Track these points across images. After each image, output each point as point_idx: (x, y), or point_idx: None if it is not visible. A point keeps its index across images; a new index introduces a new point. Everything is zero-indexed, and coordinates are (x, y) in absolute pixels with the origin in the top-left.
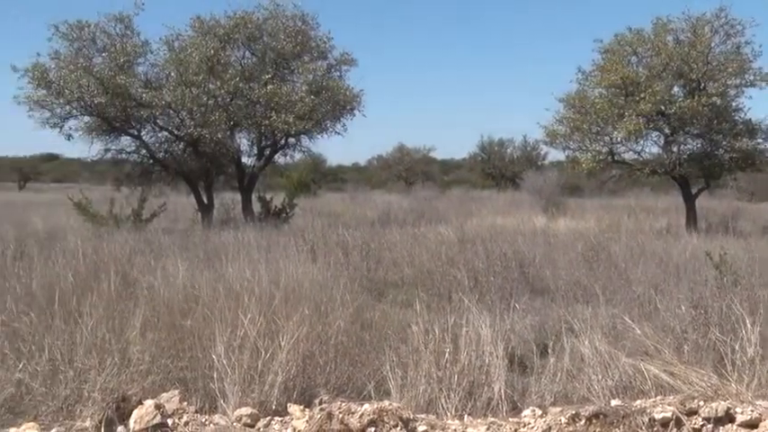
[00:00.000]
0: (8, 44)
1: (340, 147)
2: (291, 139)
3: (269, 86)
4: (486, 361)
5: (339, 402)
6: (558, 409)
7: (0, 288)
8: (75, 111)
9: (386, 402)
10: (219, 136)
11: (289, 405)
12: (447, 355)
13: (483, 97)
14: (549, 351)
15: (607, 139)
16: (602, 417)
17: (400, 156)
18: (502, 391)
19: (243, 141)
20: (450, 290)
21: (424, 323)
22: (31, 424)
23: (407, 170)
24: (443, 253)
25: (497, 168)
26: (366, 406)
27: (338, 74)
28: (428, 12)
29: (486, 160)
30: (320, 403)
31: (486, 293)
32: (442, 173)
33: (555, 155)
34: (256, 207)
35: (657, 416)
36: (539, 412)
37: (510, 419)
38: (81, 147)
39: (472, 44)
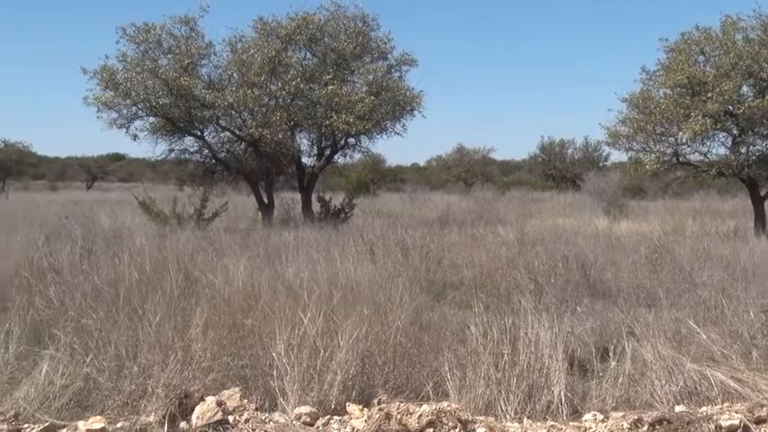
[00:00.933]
0: (78, 47)
1: (399, 147)
2: (351, 140)
3: (329, 87)
4: (546, 363)
5: (397, 402)
6: (620, 413)
7: (69, 285)
8: (140, 112)
9: (444, 403)
10: (280, 136)
11: (347, 404)
12: (506, 356)
13: (544, 97)
14: (610, 355)
15: (672, 139)
16: (665, 423)
17: (459, 156)
18: (562, 394)
19: (303, 141)
20: (510, 291)
21: (482, 325)
22: (99, 418)
23: (467, 171)
24: (503, 254)
25: (558, 170)
26: (424, 407)
27: (398, 74)
28: (489, 11)
29: (546, 161)
30: (379, 403)
31: (546, 295)
32: (502, 174)
33: (617, 156)
34: (316, 207)
35: (724, 423)
36: (600, 417)
37: (570, 423)
38: (146, 147)
39: (534, 43)
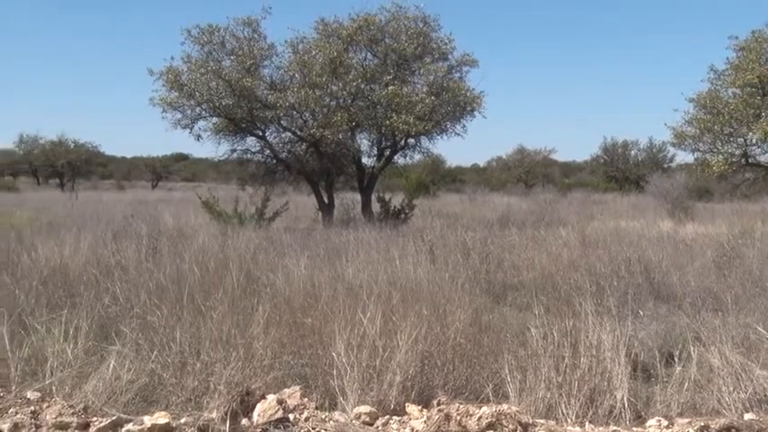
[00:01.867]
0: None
1: (459, 148)
2: (411, 140)
3: (390, 88)
4: (608, 367)
5: (457, 404)
6: (686, 420)
7: (135, 282)
8: (204, 112)
9: (504, 406)
10: (341, 136)
11: (407, 405)
12: (566, 359)
13: (607, 97)
14: (675, 360)
15: (741, 140)
16: (733, 431)
17: (520, 157)
18: (625, 398)
19: (363, 142)
20: (570, 294)
21: (542, 327)
22: (163, 413)
23: (527, 172)
24: (564, 256)
25: (621, 171)
26: (484, 408)
27: (459, 75)
28: (551, 9)
29: (609, 162)
30: (438, 404)
31: (609, 298)
32: (563, 175)
33: (683, 157)
34: (376, 207)
35: None
36: (665, 423)
37: (634, 429)
38: (209, 147)
39: (598, 42)
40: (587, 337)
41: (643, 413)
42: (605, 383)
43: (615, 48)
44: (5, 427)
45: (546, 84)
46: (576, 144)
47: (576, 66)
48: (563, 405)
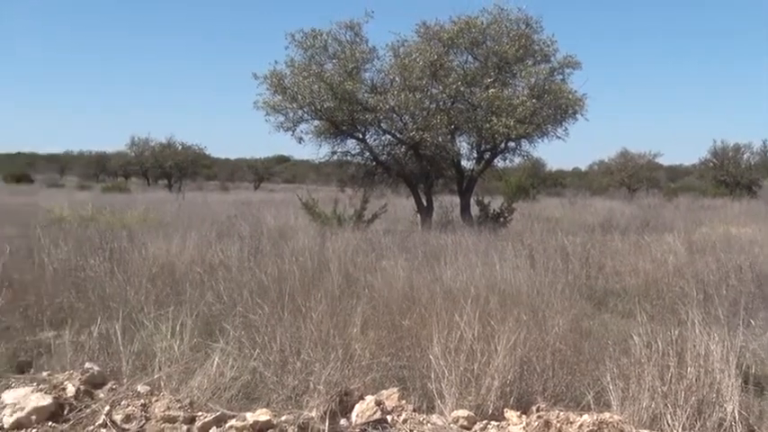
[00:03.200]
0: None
1: (560, 151)
2: (511, 143)
3: (490, 90)
4: (717, 378)
5: (557, 411)
6: None
7: (238, 281)
8: (306, 115)
9: (606, 414)
10: (440, 139)
11: (505, 410)
12: (672, 369)
13: (717, 99)
14: None
15: None
16: None
17: (623, 161)
18: (735, 412)
19: (463, 145)
20: (676, 301)
21: (646, 335)
22: (265, 410)
23: (631, 176)
24: (669, 262)
25: (731, 175)
26: (585, 417)
27: (561, 77)
28: (657, 8)
29: (718, 166)
30: (537, 410)
31: (717, 307)
32: (669, 180)
33: None
34: (474, 210)
35: None
36: None
37: None
38: (310, 149)
39: (704, 41)
40: (694, 346)
41: (756, 428)
42: (714, 395)
43: (727, 46)
44: (118, 418)
45: (652, 84)
46: (683, 147)
47: (684, 65)
48: (668, 416)
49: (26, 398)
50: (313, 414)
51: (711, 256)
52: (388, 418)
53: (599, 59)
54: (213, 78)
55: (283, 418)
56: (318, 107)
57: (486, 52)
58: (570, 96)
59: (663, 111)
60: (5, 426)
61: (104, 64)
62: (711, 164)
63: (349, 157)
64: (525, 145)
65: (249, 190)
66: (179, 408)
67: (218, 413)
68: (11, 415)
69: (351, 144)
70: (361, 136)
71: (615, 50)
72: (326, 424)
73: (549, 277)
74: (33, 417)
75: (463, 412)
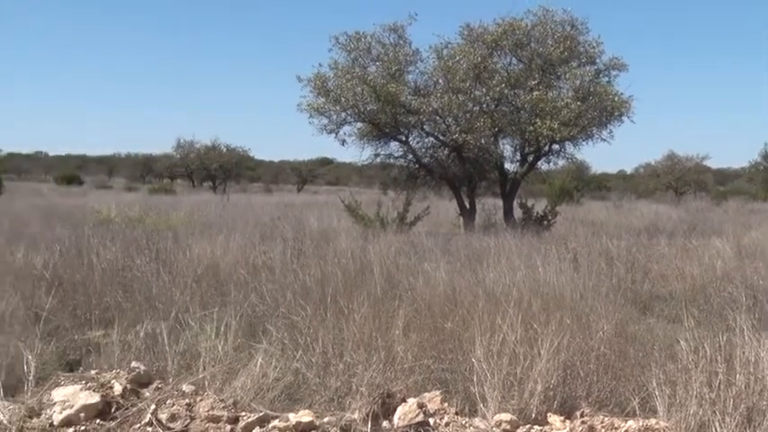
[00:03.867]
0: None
1: (605, 154)
2: (555, 146)
3: (534, 93)
4: (767, 386)
5: (601, 416)
6: None
7: (281, 283)
8: (349, 117)
9: (652, 421)
10: (483, 142)
11: (548, 415)
12: (720, 376)
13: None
14: None
15: None
16: None
17: (670, 164)
18: None
19: (506, 147)
20: (724, 307)
21: (693, 340)
22: (307, 411)
23: (677, 179)
24: (717, 267)
25: None
26: (630, 423)
27: (607, 79)
28: (704, 8)
29: None
30: (581, 416)
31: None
32: (717, 183)
33: None
34: (517, 213)
35: None
36: None
37: None
38: (353, 152)
39: (755, 40)
40: (743, 352)
41: None
42: (764, 403)
43: None
44: (163, 417)
45: (700, 86)
46: (732, 150)
47: (736, 65)
48: (716, 423)
49: (75, 396)
50: (355, 416)
51: (761, 261)
52: (431, 420)
53: (645, 59)
54: (258, 80)
55: (326, 420)
56: (361, 109)
57: (530, 54)
58: (616, 98)
59: (712, 112)
60: (55, 423)
61: (151, 66)
62: (762, 166)
63: (392, 160)
64: (569, 147)
65: (292, 192)
66: (223, 408)
67: (261, 414)
68: (60, 412)
69: (394, 146)
70: (403, 138)
71: (662, 50)
72: (369, 426)
73: (593, 281)
74: (82, 414)
75: (506, 416)
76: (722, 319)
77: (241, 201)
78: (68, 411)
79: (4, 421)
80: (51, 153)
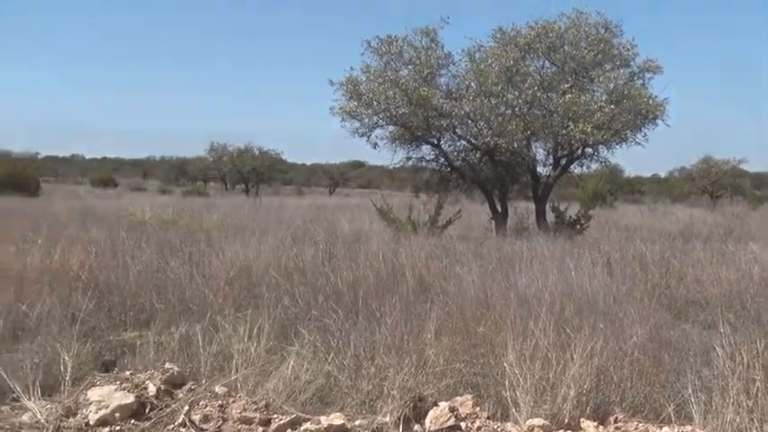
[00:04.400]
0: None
1: (639, 157)
2: (588, 149)
3: (567, 96)
4: None
5: (635, 422)
6: None
7: (313, 286)
8: (381, 121)
9: (688, 427)
10: (515, 145)
11: (581, 420)
12: (758, 383)
13: None
14: None
15: None
16: None
17: (706, 168)
18: None
19: (539, 151)
20: (761, 313)
21: (729, 346)
22: (339, 414)
23: (713, 183)
24: (755, 273)
25: None
26: (665, 429)
27: (641, 82)
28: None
29: None
30: (615, 421)
31: None
32: (754, 187)
33: None
34: (550, 217)
35: None
36: None
37: None
38: (385, 155)
39: None
40: None
41: None
42: None
43: None
44: (197, 418)
45: (736, 88)
46: None
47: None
48: (754, 431)
49: (110, 396)
50: (387, 419)
51: None
52: (462, 425)
53: (682, 60)
54: (292, 83)
55: (357, 423)
56: (393, 113)
57: (563, 57)
58: (650, 101)
59: (749, 115)
60: (91, 422)
61: (182, 69)
62: None
63: (423, 163)
64: (603, 151)
65: (324, 195)
66: (255, 409)
67: (293, 416)
68: (96, 412)
69: (425, 150)
70: (435, 142)
71: (698, 51)
72: (400, 429)
73: (626, 285)
74: (117, 414)
75: (538, 421)
76: (759, 326)
77: (273, 203)
78: (104, 411)
79: (42, 420)
80: (87, 156)
